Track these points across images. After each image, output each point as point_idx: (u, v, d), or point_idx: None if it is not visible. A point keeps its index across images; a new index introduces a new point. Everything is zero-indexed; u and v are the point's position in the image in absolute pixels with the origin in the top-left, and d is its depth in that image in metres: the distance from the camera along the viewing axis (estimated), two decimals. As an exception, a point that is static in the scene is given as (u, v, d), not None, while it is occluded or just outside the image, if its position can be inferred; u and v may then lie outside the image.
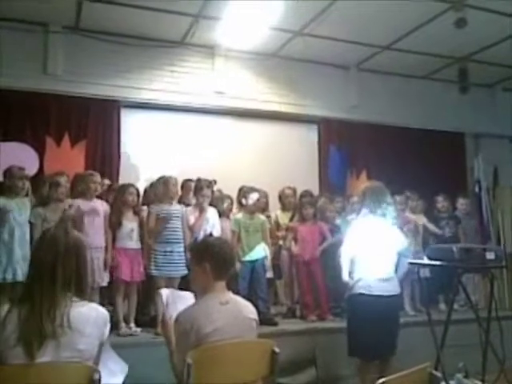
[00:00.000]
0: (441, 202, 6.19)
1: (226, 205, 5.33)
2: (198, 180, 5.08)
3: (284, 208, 5.75)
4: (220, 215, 5.04)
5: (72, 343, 1.84)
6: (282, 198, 5.78)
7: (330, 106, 7.03)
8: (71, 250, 1.91)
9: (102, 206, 4.54)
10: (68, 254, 1.89)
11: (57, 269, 1.86)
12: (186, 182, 5.37)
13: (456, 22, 5.34)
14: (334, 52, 6.63)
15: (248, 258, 4.96)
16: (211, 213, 4.91)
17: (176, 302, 2.55)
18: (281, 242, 5.55)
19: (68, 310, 1.84)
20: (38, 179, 4.82)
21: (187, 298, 2.59)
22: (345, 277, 3.76)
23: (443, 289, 5.54)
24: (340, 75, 7.17)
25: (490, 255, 3.64)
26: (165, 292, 2.67)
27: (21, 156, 5.06)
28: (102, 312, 1.99)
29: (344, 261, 3.79)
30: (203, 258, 2.43)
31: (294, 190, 5.81)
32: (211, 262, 2.40)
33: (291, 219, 5.54)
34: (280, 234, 5.55)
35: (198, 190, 4.87)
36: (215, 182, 5.27)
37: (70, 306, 1.86)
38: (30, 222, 4.25)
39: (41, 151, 5.58)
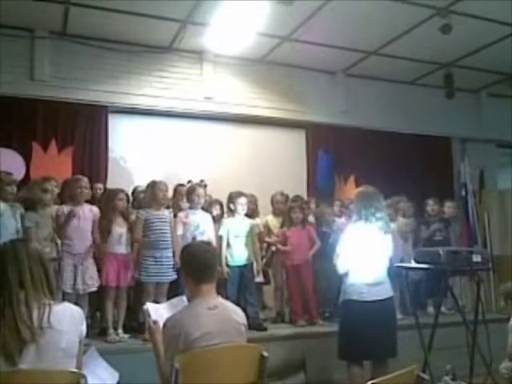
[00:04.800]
0: (431, 205, 6.23)
1: (215, 209, 5.32)
2: (189, 182, 5.19)
3: (275, 213, 5.76)
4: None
5: (54, 342, 1.86)
6: (273, 203, 5.78)
7: (317, 111, 7.06)
8: (34, 256, 1.98)
9: (90, 212, 4.49)
10: (32, 261, 1.96)
11: (24, 276, 1.91)
12: (178, 186, 5.36)
13: (441, 28, 5.42)
14: (322, 57, 6.67)
15: (236, 262, 4.96)
16: (203, 218, 4.89)
17: (161, 314, 2.58)
18: (273, 248, 5.55)
19: (43, 311, 1.88)
20: (24, 184, 4.78)
21: (173, 307, 2.62)
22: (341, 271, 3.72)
23: (431, 292, 5.57)
24: (327, 80, 7.22)
25: (477, 258, 3.68)
26: (149, 306, 2.70)
27: (7, 161, 5.00)
28: (77, 309, 2.05)
29: (340, 266, 3.74)
30: (182, 263, 2.57)
31: (287, 197, 5.80)
32: (188, 266, 2.49)
33: (282, 225, 5.54)
34: (270, 239, 5.54)
35: (191, 191, 4.87)
36: (205, 184, 5.32)
37: (45, 308, 1.89)
38: (24, 226, 4.18)
39: (27, 157, 5.53)
